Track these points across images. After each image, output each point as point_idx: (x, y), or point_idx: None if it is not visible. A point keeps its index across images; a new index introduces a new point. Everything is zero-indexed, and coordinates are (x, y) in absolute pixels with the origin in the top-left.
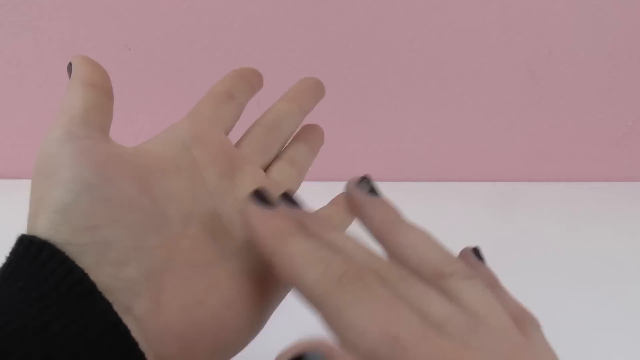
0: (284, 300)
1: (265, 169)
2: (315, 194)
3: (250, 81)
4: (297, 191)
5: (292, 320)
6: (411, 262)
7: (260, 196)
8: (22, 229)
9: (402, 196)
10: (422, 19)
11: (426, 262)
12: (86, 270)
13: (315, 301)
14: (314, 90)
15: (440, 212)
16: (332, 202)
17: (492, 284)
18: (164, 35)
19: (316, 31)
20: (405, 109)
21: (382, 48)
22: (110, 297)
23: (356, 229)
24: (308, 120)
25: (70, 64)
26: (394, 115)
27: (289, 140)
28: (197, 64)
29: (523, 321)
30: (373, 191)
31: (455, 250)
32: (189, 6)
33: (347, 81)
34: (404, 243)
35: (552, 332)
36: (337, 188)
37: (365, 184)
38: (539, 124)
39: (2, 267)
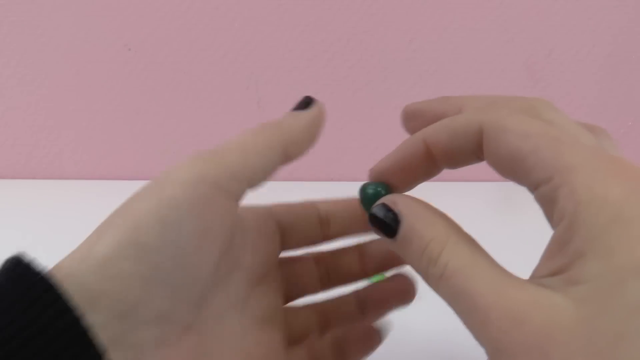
0: None
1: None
2: (316, 194)
3: None
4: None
5: None
6: None
7: None
8: (22, 229)
9: None
10: (422, 19)
11: None
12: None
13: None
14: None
15: None
16: None
17: None
18: (164, 35)
19: (316, 31)
20: None
21: (382, 48)
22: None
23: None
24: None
25: (308, 103)
26: (394, 115)
27: None
28: (197, 64)
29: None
30: None
31: None
32: (189, 6)
33: (347, 81)
34: None
35: None
36: (338, 188)
37: None
38: None
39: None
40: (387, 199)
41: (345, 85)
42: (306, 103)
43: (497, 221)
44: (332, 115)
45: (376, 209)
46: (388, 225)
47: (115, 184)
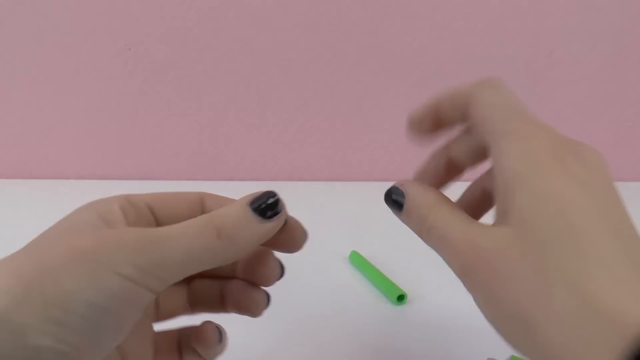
0: None
1: None
2: (316, 194)
3: None
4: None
5: None
6: None
7: None
8: (22, 229)
9: None
10: (422, 19)
11: None
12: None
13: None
14: None
15: None
16: None
17: None
18: (164, 35)
19: (316, 31)
20: (405, 109)
21: (382, 48)
22: None
23: None
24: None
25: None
26: (394, 115)
27: None
28: (197, 64)
29: None
30: None
31: None
32: (189, 6)
33: (347, 81)
34: None
35: None
36: (337, 188)
37: None
38: None
39: None
40: (397, 182)
41: (345, 85)
42: (266, 207)
43: None
44: (332, 115)
45: (390, 189)
46: (397, 201)
47: (115, 184)
